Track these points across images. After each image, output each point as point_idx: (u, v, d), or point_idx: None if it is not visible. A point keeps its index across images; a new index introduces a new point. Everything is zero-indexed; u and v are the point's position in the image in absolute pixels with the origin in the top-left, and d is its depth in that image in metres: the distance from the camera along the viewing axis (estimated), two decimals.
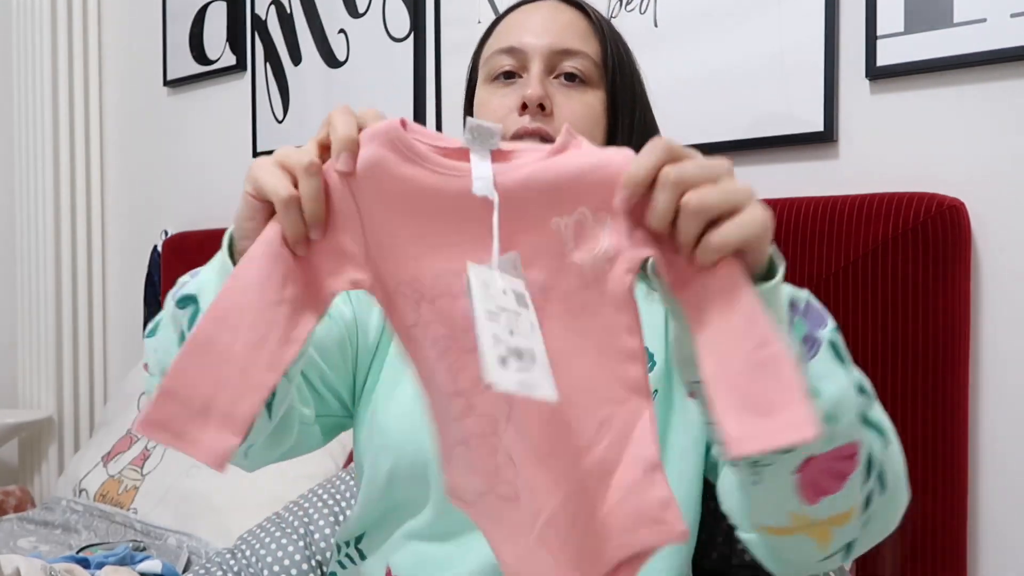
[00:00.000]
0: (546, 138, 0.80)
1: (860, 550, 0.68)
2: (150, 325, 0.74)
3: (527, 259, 0.55)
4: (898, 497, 0.67)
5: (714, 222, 0.51)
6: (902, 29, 1.16)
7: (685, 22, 1.37)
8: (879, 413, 0.65)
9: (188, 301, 0.64)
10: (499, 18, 0.90)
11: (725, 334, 0.51)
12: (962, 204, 1.09)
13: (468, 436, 0.57)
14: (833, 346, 0.60)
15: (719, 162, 0.52)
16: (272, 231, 0.56)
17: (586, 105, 0.83)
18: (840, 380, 0.58)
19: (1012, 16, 1.08)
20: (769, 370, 0.49)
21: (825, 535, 0.65)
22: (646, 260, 0.54)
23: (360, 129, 0.56)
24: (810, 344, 0.58)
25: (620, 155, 0.54)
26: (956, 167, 1.14)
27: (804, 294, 0.60)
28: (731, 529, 1.09)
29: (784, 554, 0.70)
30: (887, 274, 1.10)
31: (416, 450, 0.81)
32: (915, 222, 1.09)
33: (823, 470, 0.60)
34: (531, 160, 0.54)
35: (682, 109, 1.36)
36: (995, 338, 1.12)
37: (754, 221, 0.51)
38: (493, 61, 0.85)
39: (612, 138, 0.84)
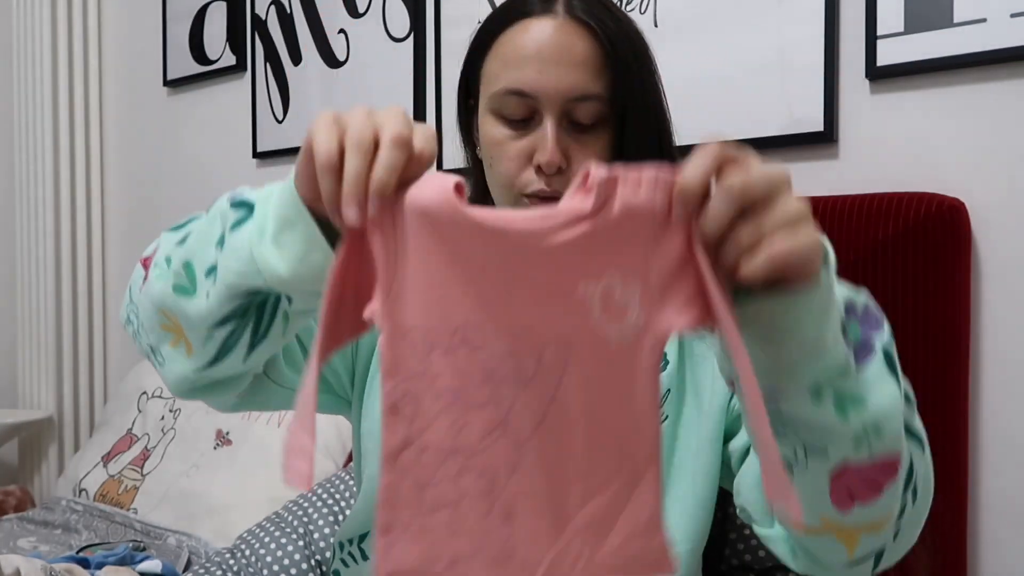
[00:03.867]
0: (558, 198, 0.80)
1: (888, 562, 0.67)
2: (176, 225, 0.71)
3: (551, 323, 0.53)
4: (926, 508, 0.66)
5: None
6: (902, 29, 1.16)
7: (685, 22, 1.37)
8: (919, 422, 0.64)
9: (242, 205, 0.61)
10: (501, 22, 0.84)
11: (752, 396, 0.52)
12: (962, 204, 1.09)
13: (461, 496, 0.54)
14: (887, 355, 0.58)
15: (778, 172, 0.51)
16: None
17: (598, 150, 0.81)
18: (890, 391, 0.57)
19: (1012, 16, 1.08)
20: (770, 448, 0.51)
21: (853, 540, 0.64)
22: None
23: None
24: (865, 351, 0.57)
25: (647, 198, 0.51)
26: (956, 167, 1.14)
27: (863, 297, 0.59)
28: (725, 532, 1.09)
29: (808, 552, 0.69)
30: (887, 274, 1.10)
31: None
32: (915, 222, 1.08)
33: (860, 479, 0.59)
34: (565, 221, 0.52)
35: (682, 109, 1.36)
36: (995, 338, 1.12)
37: (813, 241, 0.51)
38: (502, 100, 0.80)
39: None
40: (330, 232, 0.57)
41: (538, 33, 0.80)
